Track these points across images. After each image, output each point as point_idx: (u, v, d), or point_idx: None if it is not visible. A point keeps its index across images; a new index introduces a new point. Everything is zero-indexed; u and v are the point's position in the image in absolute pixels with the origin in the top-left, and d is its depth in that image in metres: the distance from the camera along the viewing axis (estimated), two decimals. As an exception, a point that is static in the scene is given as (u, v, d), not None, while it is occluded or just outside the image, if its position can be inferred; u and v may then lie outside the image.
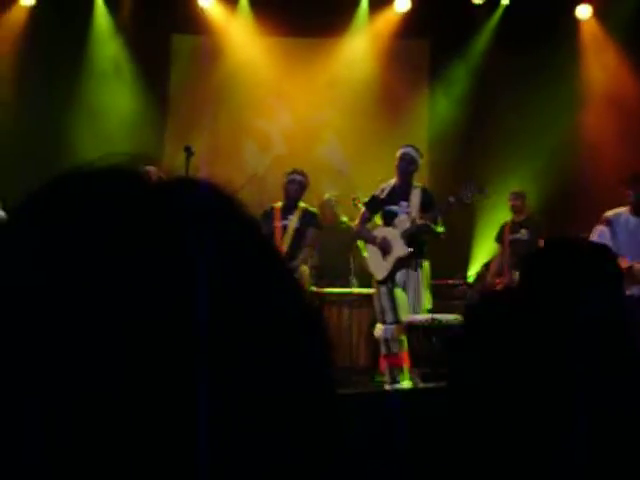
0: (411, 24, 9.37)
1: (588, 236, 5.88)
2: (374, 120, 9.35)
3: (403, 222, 6.20)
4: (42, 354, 0.40)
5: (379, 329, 6.19)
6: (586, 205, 7.38)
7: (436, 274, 7.65)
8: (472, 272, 8.97)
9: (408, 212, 6.20)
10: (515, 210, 7.57)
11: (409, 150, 6.40)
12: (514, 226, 7.54)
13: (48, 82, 8.94)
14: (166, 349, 0.41)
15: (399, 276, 6.15)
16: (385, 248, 6.22)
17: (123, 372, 0.40)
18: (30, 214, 0.45)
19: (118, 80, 9.41)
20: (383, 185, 6.45)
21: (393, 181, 6.41)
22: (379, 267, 6.25)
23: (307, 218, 6.66)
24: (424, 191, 6.38)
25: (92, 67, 9.36)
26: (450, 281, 8.39)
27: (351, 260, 7.50)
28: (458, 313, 6.93)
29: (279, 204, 6.73)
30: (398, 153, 6.41)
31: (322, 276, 7.35)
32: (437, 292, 7.80)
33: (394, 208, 6.27)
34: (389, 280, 6.17)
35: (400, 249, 6.15)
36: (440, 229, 6.22)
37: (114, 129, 9.03)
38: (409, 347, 6.04)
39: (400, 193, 6.30)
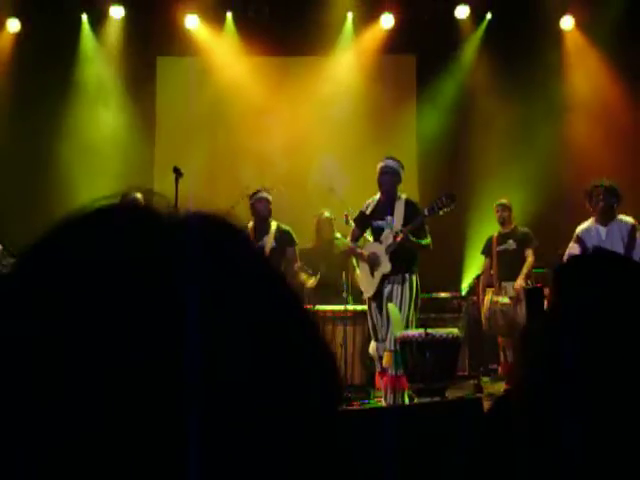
0: (397, 40, 9.42)
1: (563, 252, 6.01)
2: (362, 136, 9.38)
3: (387, 238, 6.12)
4: (38, 396, 0.40)
5: (372, 347, 6.16)
6: (573, 213, 7.40)
7: (428, 287, 7.65)
8: (465, 285, 8.98)
9: (391, 228, 6.11)
10: (502, 221, 7.58)
11: (389, 162, 6.27)
12: (501, 237, 7.56)
13: (34, 106, 8.94)
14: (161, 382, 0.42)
15: (385, 291, 6.09)
16: (373, 264, 6.17)
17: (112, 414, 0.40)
18: (35, 268, 0.46)
19: (104, 103, 9.42)
20: (368, 201, 6.37)
21: (377, 196, 6.32)
22: (368, 284, 6.22)
23: (283, 237, 6.63)
24: (408, 202, 6.23)
25: (78, 90, 9.36)
26: (442, 294, 8.40)
27: (344, 277, 7.49)
28: (451, 326, 6.94)
29: (249, 224, 6.63)
30: (378, 166, 6.27)
31: (316, 294, 7.33)
32: (430, 305, 7.82)
33: (381, 223, 6.19)
34: (378, 296, 6.12)
35: (385, 266, 6.09)
36: (425, 241, 6.11)
37: (101, 152, 9.04)
38: (403, 363, 5.94)
39: (385, 207, 6.21)
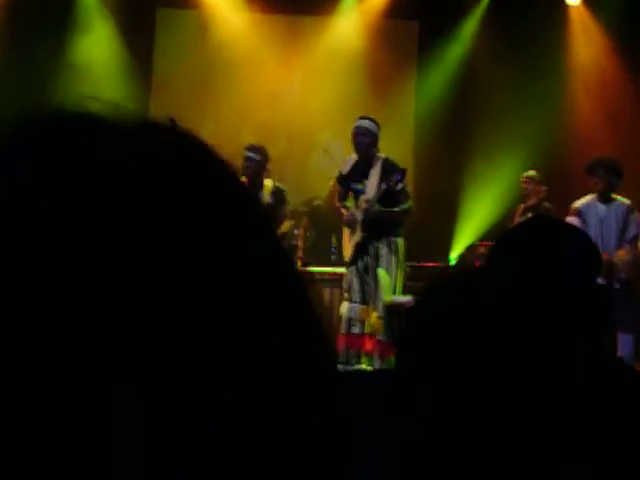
0: (401, 4, 9.31)
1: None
2: (360, 99, 9.30)
3: (362, 204, 5.94)
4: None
5: (344, 307, 6.03)
6: (573, 189, 7.38)
7: (416, 256, 7.65)
8: (454, 255, 8.99)
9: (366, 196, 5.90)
10: (524, 194, 7.43)
11: (363, 122, 6.06)
12: (522, 211, 7.45)
13: (28, 59, 8.80)
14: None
15: (370, 254, 5.93)
16: (351, 227, 6.04)
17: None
18: None
19: (101, 52, 9.29)
20: (347, 158, 6.20)
21: (354, 156, 6.13)
22: (346, 247, 6.11)
23: (279, 195, 6.59)
24: (385, 164, 5.94)
25: (75, 39, 9.24)
26: (430, 264, 8.40)
27: (333, 240, 7.48)
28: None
29: (243, 179, 6.52)
30: (352, 128, 6.08)
31: (307, 255, 7.32)
32: (417, 274, 7.81)
33: (359, 187, 5.99)
34: (355, 261, 5.98)
35: (357, 234, 5.96)
36: (404, 206, 5.88)
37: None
38: (390, 329, 5.87)
39: (361, 169, 5.99)
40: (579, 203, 6.36)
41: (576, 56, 9.35)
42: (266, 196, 6.50)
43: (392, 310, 5.87)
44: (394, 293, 5.94)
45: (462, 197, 9.11)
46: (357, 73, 9.43)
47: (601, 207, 6.27)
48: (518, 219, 7.40)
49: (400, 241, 5.98)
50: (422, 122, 9.45)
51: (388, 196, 5.83)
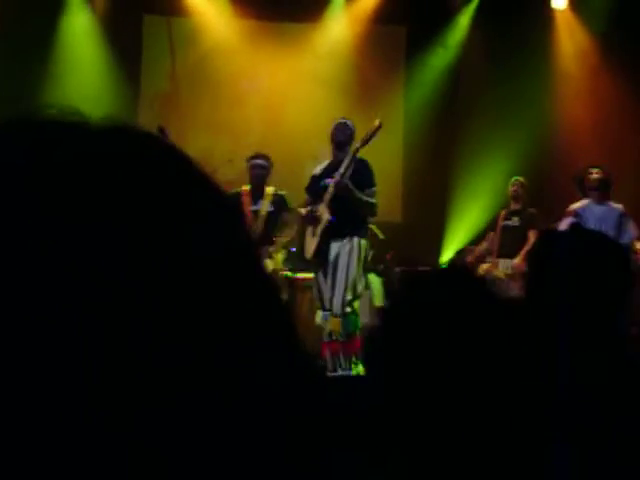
0: (388, 10, 9.33)
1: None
2: (349, 106, 9.31)
3: (329, 194, 5.77)
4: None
5: (318, 316, 5.85)
6: (561, 194, 7.41)
7: (406, 260, 7.67)
8: (444, 259, 9.00)
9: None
10: (513, 197, 7.51)
11: (340, 120, 6.10)
12: (508, 214, 7.51)
13: (15, 61, 8.76)
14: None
15: (332, 255, 5.72)
16: (310, 222, 5.85)
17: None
18: None
19: (89, 60, 9.27)
20: (320, 166, 6.12)
21: (328, 161, 6.06)
22: (308, 243, 5.88)
23: (279, 202, 6.59)
24: (355, 158, 5.81)
25: (61, 46, 9.21)
26: (420, 268, 8.41)
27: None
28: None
29: (246, 188, 6.56)
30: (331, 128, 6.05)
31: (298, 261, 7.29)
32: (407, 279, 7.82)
33: (327, 181, 5.83)
34: (321, 258, 5.77)
35: (325, 217, 5.74)
36: (370, 200, 5.74)
37: (84, 110, 8.88)
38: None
39: (334, 166, 5.86)
40: (576, 205, 6.41)
41: (563, 60, 9.39)
42: (266, 204, 6.52)
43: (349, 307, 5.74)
44: (354, 293, 5.73)
45: (452, 201, 9.13)
46: (345, 79, 9.44)
47: (597, 208, 6.32)
48: (501, 223, 7.46)
49: (363, 242, 5.81)
50: (410, 127, 9.47)
51: (358, 179, 5.71)
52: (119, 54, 9.25)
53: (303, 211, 5.97)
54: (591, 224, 6.09)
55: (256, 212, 6.47)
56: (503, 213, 7.54)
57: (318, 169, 6.11)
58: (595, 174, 6.33)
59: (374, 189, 5.83)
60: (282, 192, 6.65)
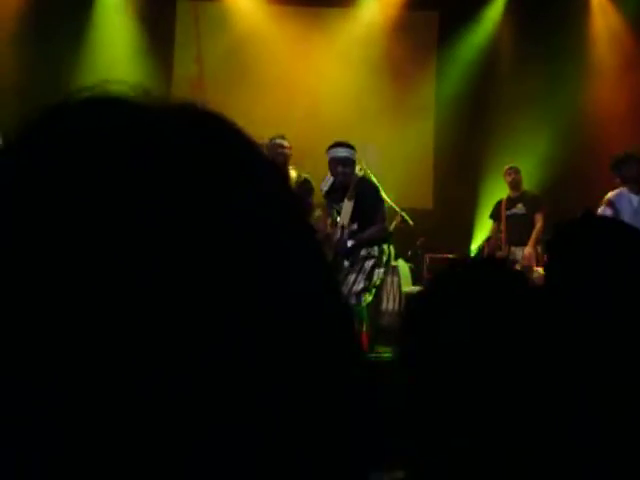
0: (420, -5, 9.28)
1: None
2: (381, 92, 9.29)
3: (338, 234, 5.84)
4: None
5: None
6: (595, 179, 7.34)
7: (436, 248, 7.65)
8: (474, 247, 8.96)
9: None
10: (514, 185, 7.51)
11: (340, 151, 5.86)
12: (510, 201, 7.51)
13: (47, 50, 8.84)
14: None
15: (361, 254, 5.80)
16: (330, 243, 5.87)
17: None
18: (18, 152, 0.40)
19: (122, 43, 9.32)
20: (325, 184, 6.09)
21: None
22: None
23: (306, 186, 6.56)
24: (360, 182, 5.83)
25: (95, 30, 9.28)
26: (450, 256, 8.38)
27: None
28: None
29: None
30: (328, 156, 5.90)
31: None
32: (439, 266, 7.80)
33: (337, 208, 5.92)
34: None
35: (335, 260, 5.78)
36: (377, 228, 5.77)
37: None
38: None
39: (340, 194, 5.89)
40: (611, 194, 6.18)
41: (598, 47, 9.27)
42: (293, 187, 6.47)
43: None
44: (370, 291, 5.76)
45: (483, 188, 9.08)
46: (377, 65, 9.40)
47: (634, 198, 6.12)
48: (505, 212, 7.42)
49: (384, 246, 5.84)
50: (443, 113, 9.42)
51: (362, 214, 5.75)
52: (152, 38, 9.30)
53: (328, 229, 5.96)
54: (626, 214, 5.96)
55: None
56: (504, 201, 7.52)
57: (324, 186, 6.07)
58: (634, 163, 6.10)
59: (380, 213, 5.82)
60: (307, 176, 6.61)
